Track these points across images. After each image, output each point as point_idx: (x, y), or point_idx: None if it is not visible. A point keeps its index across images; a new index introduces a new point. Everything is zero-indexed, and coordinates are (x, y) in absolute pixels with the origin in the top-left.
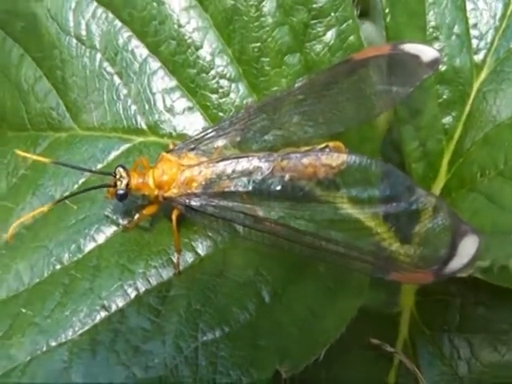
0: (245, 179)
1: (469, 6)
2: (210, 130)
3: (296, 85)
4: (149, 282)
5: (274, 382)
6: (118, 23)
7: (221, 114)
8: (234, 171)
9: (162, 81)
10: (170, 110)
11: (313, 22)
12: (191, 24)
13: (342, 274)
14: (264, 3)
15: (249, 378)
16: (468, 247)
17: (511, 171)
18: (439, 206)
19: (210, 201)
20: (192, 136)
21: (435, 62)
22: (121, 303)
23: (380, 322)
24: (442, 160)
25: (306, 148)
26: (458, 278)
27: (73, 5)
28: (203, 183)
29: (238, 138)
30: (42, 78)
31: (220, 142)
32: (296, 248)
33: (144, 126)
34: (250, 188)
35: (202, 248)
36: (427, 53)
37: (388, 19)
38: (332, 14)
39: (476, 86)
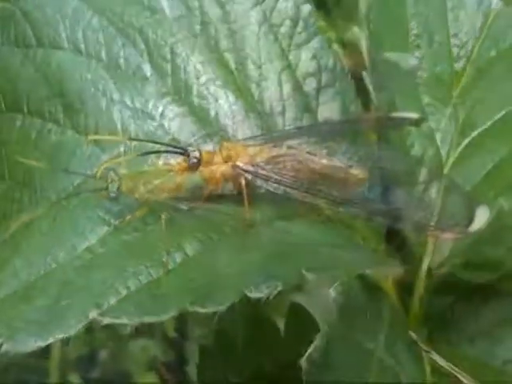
0: None
1: (450, 16)
2: None
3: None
4: (139, 280)
5: None
6: (113, 30)
7: (211, 118)
8: None
9: (155, 86)
10: (162, 116)
11: None
12: (182, 32)
13: None
14: (252, 12)
15: None
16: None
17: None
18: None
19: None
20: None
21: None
22: (112, 301)
23: None
24: None
25: None
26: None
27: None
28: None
29: None
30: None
31: None
32: None
33: (135, 131)
34: None
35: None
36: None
37: (371, 26)
38: None
39: (456, 92)
